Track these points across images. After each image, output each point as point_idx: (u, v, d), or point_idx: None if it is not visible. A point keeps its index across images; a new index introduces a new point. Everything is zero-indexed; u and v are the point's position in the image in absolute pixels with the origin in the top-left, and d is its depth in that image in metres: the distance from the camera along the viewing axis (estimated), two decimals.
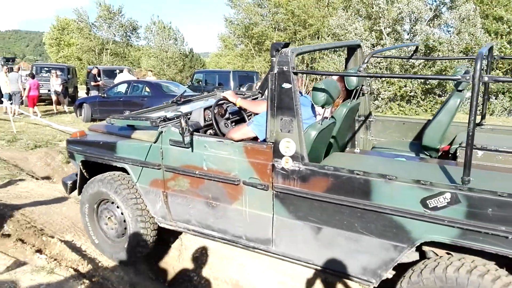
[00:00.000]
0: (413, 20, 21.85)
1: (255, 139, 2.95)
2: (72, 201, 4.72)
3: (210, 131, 3.44)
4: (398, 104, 20.34)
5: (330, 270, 2.75)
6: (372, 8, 22.80)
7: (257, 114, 3.24)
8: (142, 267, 3.86)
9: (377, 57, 4.79)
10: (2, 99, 12.95)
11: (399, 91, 20.10)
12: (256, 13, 30.64)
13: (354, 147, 4.04)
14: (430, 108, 19.19)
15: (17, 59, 50.24)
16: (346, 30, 23.89)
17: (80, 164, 3.82)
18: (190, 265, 3.95)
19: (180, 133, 2.92)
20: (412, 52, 3.89)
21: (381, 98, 20.38)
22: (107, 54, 37.22)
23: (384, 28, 22.30)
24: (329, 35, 27.31)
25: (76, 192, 4.01)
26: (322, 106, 2.68)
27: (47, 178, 6.53)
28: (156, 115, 3.50)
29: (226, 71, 16.37)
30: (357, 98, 3.48)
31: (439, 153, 3.43)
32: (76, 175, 3.97)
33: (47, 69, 18.04)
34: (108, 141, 3.62)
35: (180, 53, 35.80)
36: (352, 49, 3.81)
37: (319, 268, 2.79)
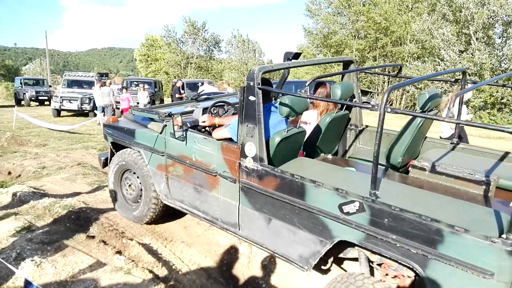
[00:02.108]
0: (506, 23, 19.98)
1: (231, 139, 3.40)
2: None
3: (208, 128, 4.01)
4: (488, 112, 18.67)
5: (277, 254, 3.14)
6: (460, 12, 21.30)
7: None
8: (213, 272, 3.91)
9: (361, 70, 4.99)
10: (96, 111, 14.19)
11: (490, 98, 18.45)
12: (335, 22, 30.27)
13: (345, 153, 4.34)
14: None
15: (111, 74, 54.95)
16: (432, 35, 22.59)
17: (110, 144, 4.65)
18: (258, 273, 3.93)
19: (172, 127, 3.57)
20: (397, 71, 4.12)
21: (471, 107, 18.86)
22: (192, 68, 39.25)
23: (474, 33, 20.70)
24: (412, 41, 26.06)
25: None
26: (287, 117, 3.09)
27: None
28: (166, 110, 4.14)
29: (302, 81, 16.30)
30: (345, 109, 3.91)
31: (406, 166, 3.60)
32: None
33: (136, 83, 19.47)
34: (130, 128, 4.33)
35: (259, 65, 36.61)
36: (346, 65, 4.17)
37: (270, 251, 3.20)
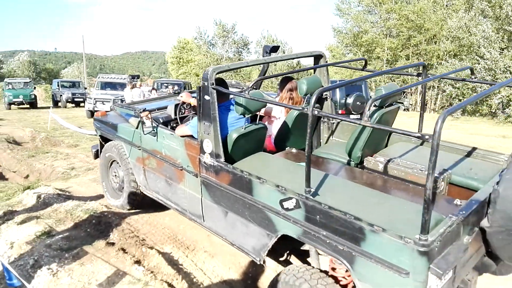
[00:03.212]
0: None
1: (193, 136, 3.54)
2: (174, 213, 4.78)
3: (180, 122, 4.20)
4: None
5: (235, 245, 3.26)
6: (501, 8, 20.21)
7: None
8: (237, 286, 3.66)
9: (330, 65, 4.60)
10: None
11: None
12: (366, 20, 29.48)
13: (319, 145, 4.38)
14: None
15: (144, 77, 55.90)
16: (469, 32, 21.58)
17: (99, 137, 4.98)
18: None
19: (141, 124, 3.83)
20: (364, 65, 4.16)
21: None
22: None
23: None
24: (448, 38, 25.01)
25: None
26: (243, 115, 3.23)
27: None
28: (142, 106, 4.37)
29: (331, 81, 15.63)
30: (315, 103, 3.64)
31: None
32: None
33: (166, 84, 19.60)
34: (114, 122, 4.62)
35: (288, 66, 36.18)
36: (316, 59, 4.23)
37: (230, 243, 3.31)
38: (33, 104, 23.91)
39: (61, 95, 24.53)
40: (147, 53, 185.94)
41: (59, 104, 24.54)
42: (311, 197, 2.52)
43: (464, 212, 2.31)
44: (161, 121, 4.03)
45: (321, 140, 4.40)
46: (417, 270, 2.06)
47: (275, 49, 3.81)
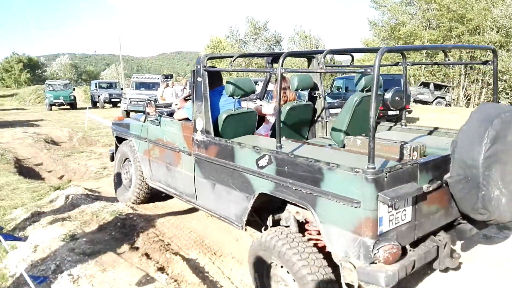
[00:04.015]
0: None
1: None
2: (202, 215, 4.57)
3: None
4: None
5: (222, 217, 3.44)
6: None
7: None
8: None
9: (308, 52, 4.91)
10: None
11: None
12: (404, 12, 28.36)
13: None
14: None
15: (179, 77, 56.72)
16: None
17: (115, 138, 5.35)
18: None
19: (146, 115, 4.29)
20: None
21: None
22: (253, 67, 39.04)
23: None
24: (493, 28, 23.62)
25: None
26: (232, 96, 3.44)
27: None
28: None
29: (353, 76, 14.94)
30: (307, 100, 4.24)
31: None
32: None
33: None
34: (127, 122, 5.03)
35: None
36: (309, 60, 4.53)
37: (217, 216, 3.50)
38: (72, 105, 24.67)
39: (99, 96, 25.21)
40: (181, 53, 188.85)
41: (97, 104, 25.17)
42: (280, 150, 2.73)
43: (422, 160, 2.48)
44: (166, 113, 4.30)
45: (314, 137, 4.55)
46: (366, 198, 2.18)
47: (275, 60, 4.14)
